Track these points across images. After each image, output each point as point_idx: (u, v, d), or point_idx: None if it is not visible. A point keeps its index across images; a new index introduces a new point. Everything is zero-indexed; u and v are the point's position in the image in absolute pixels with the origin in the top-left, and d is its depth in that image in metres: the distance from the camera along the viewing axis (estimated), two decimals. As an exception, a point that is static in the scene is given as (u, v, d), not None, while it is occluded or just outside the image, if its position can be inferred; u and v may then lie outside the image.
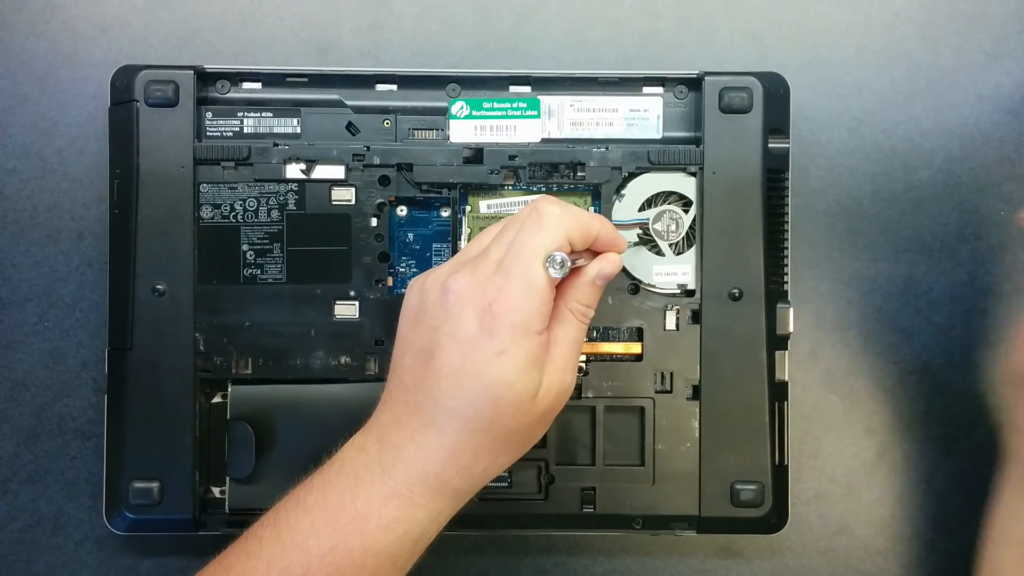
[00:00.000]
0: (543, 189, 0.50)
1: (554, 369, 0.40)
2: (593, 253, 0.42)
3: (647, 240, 0.50)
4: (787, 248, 0.50)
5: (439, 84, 0.50)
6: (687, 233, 0.50)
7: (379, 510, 0.38)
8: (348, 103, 0.50)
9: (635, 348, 0.50)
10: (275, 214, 0.49)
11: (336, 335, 0.49)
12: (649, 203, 0.50)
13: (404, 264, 0.51)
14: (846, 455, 0.53)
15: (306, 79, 0.50)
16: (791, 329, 0.49)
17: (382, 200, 0.49)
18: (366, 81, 0.50)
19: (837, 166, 0.53)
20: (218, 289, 0.49)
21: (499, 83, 0.50)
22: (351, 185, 0.49)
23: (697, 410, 0.49)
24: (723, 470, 0.49)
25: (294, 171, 0.49)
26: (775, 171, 0.49)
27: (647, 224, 0.50)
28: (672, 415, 0.49)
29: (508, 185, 0.50)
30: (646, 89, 0.50)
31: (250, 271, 0.49)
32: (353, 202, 0.49)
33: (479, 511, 0.46)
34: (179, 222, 0.49)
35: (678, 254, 0.50)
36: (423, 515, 0.39)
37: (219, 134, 0.50)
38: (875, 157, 0.53)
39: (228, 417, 0.49)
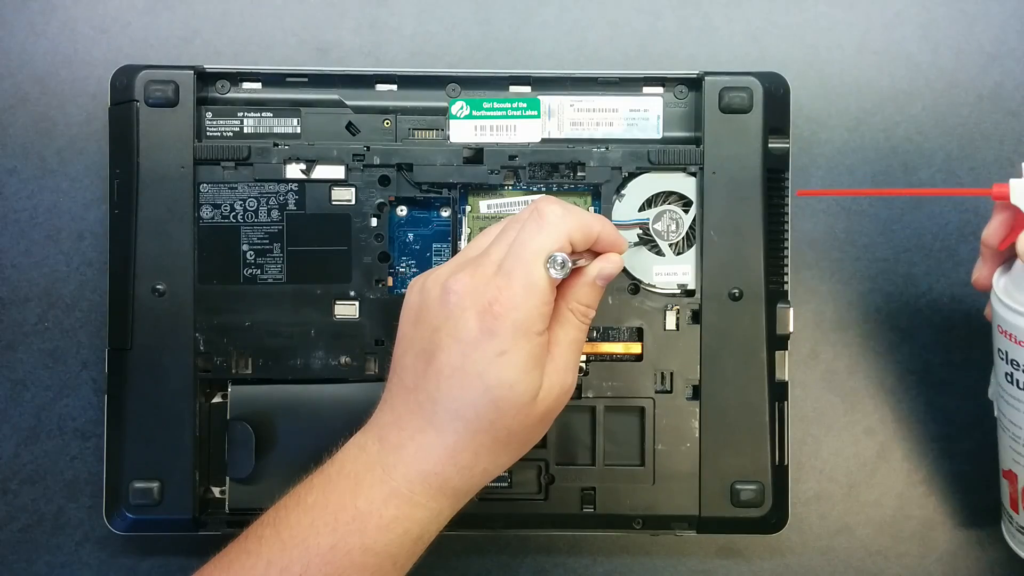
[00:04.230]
0: (543, 189, 0.50)
1: (555, 370, 0.40)
2: (594, 253, 0.42)
3: (647, 240, 0.50)
4: (787, 248, 0.50)
5: (439, 84, 0.50)
6: (687, 233, 0.50)
7: (379, 509, 0.38)
8: (348, 103, 0.50)
9: (635, 348, 0.50)
10: (275, 214, 0.49)
11: (336, 335, 0.49)
12: (649, 203, 0.50)
13: (404, 264, 0.51)
14: (846, 455, 0.52)
15: (306, 79, 0.50)
16: (791, 329, 0.49)
17: (382, 200, 0.49)
18: (366, 81, 0.50)
19: (837, 166, 0.53)
20: (218, 289, 0.49)
21: (499, 83, 0.50)
22: (351, 185, 0.49)
23: (697, 410, 0.49)
24: (723, 470, 0.49)
25: (294, 171, 0.49)
26: (775, 171, 0.49)
27: (647, 224, 0.50)
28: (672, 415, 0.49)
29: (508, 185, 0.50)
30: (646, 89, 0.50)
31: (250, 271, 0.49)
32: (353, 202, 0.49)
33: (479, 511, 0.46)
34: (179, 222, 0.49)
35: (678, 254, 0.50)
36: (423, 514, 0.39)
37: (219, 134, 0.50)
38: (875, 157, 0.53)
39: (228, 417, 0.49)
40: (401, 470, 0.39)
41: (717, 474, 0.49)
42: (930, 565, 0.52)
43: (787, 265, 0.50)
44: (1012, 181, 0.41)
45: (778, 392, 0.49)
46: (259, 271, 0.49)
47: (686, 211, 0.50)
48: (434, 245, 0.51)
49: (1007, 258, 0.43)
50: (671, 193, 0.50)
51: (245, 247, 0.49)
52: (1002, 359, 0.43)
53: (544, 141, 0.50)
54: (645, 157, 0.49)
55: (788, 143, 0.50)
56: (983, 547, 0.52)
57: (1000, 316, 0.43)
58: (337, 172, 0.49)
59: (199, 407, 0.49)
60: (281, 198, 0.49)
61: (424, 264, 0.51)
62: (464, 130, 0.50)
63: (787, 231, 0.50)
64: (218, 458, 0.50)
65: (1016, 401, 0.43)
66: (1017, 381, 0.43)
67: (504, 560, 0.52)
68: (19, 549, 0.52)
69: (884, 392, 0.52)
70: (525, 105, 0.50)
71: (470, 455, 0.39)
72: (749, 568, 0.52)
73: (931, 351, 0.53)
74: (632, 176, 0.50)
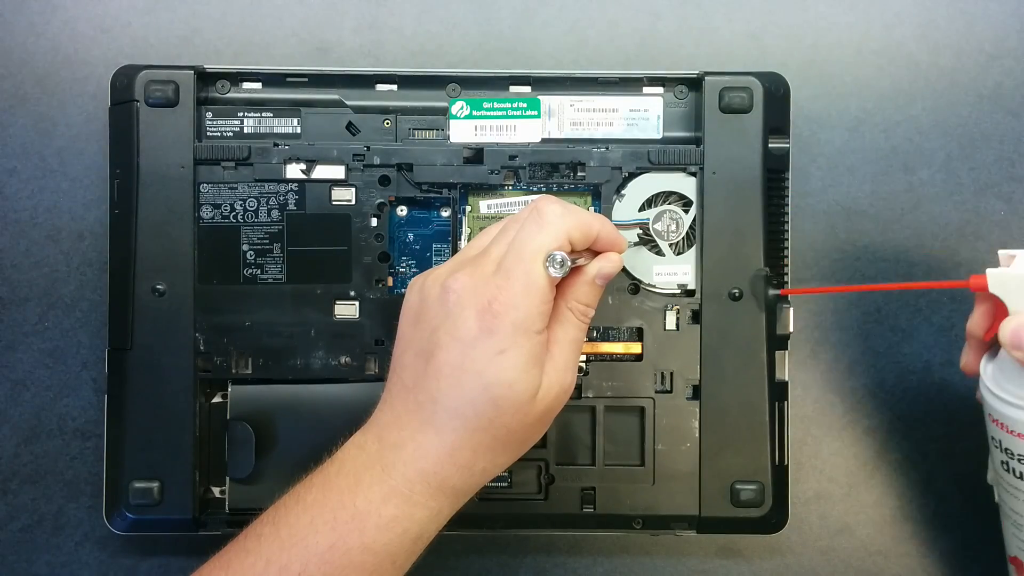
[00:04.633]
0: (543, 189, 0.50)
1: (554, 369, 0.40)
2: (593, 253, 0.42)
3: (647, 240, 0.50)
4: (787, 249, 0.50)
5: (439, 84, 0.50)
6: (687, 233, 0.50)
7: (378, 508, 0.38)
8: (348, 103, 0.50)
9: (635, 348, 0.50)
10: (275, 214, 0.49)
11: (336, 335, 0.49)
12: (649, 203, 0.50)
13: (404, 264, 0.51)
14: (846, 455, 0.52)
15: (306, 79, 0.50)
16: (791, 329, 0.49)
17: (382, 200, 0.49)
18: (366, 81, 0.50)
19: (837, 166, 0.53)
20: (218, 289, 0.49)
21: (499, 83, 0.50)
22: (351, 185, 0.49)
23: (697, 410, 0.49)
24: (723, 470, 0.49)
25: (294, 171, 0.49)
26: (775, 171, 0.49)
27: (647, 224, 0.50)
28: (672, 415, 0.49)
29: (508, 185, 0.50)
30: (646, 89, 0.50)
31: (250, 271, 0.49)
32: (353, 202, 0.49)
33: (479, 511, 0.46)
34: (179, 222, 0.49)
35: (678, 254, 0.50)
36: (422, 514, 0.39)
37: (219, 134, 0.50)
38: (875, 157, 0.53)
39: (228, 417, 0.49)
40: (400, 469, 0.39)
41: (717, 474, 0.49)
42: (930, 565, 0.52)
43: (787, 265, 0.50)
44: (988, 271, 0.40)
45: (778, 392, 0.49)
46: (259, 271, 0.49)
47: (686, 211, 0.50)
48: (434, 245, 0.51)
49: (993, 344, 0.43)
50: (671, 193, 0.50)
51: (245, 247, 0.49)
52: (996, 447, 0.42)
53: (544, 141, 0.50)
54: (645, 157, 0.49)
55: (788, 143, 0.50)
56: (983, 547, 0.52)
57: (990, 405, 0.42)
58: (337, 172, 0.49)
59: (199, 407, 0.49)
60: (281, 198, 0.49)
61: (424, 264, 0.51)
62: (464, 130, 0.50)
63: (787, 231, 0.50)
64: (218, 458, 0.50)
65: (1015, 490, 0.42)
66: (1013, 470, 0.42)
67: (504, 560, 0.52)
68: (19, 549, 0.52)
69: (884, 392, 0.52)
70: (525, 105, 0.50)
71: (469, 454, 0.39)
72: (749, 568, 0.52)
73: (931, 351, 0.53)
74: (632, 176, 0.50)
